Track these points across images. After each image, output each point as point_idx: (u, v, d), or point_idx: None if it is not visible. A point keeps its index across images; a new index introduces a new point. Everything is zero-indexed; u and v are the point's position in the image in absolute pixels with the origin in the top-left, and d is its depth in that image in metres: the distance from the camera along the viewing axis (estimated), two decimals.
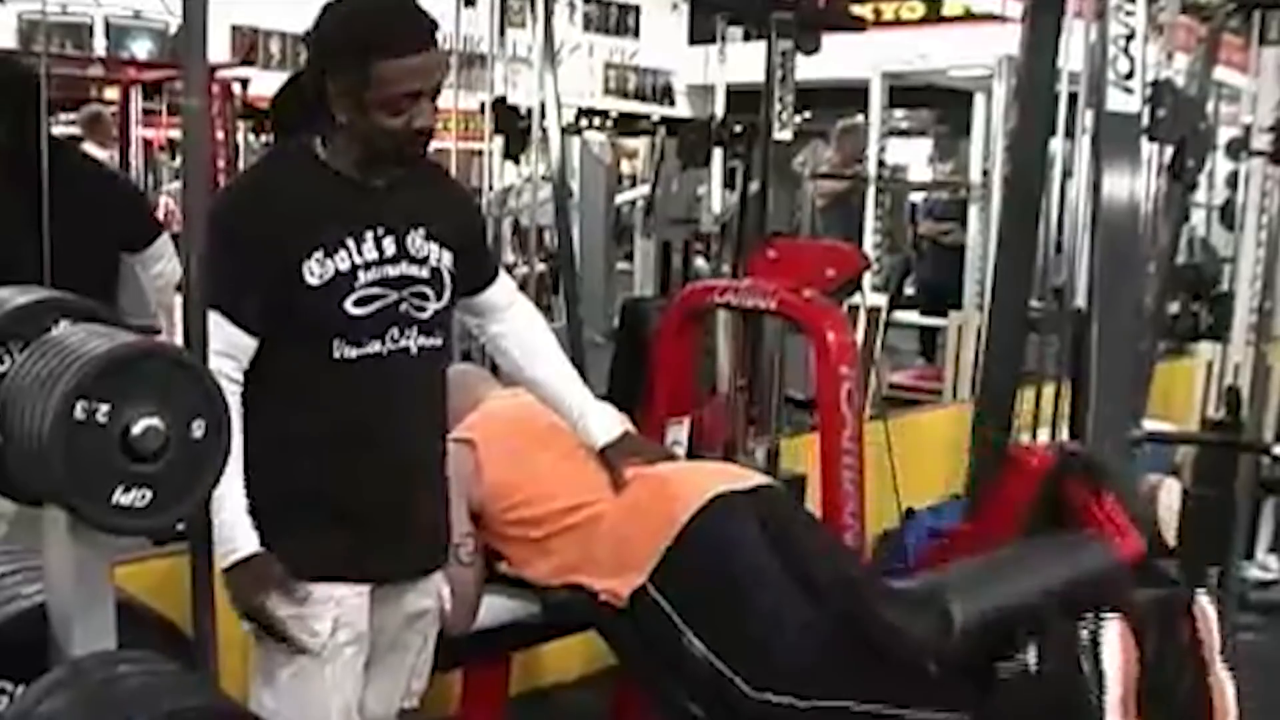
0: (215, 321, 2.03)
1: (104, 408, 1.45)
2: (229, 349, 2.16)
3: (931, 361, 8.53)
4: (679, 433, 3.54)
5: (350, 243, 2.25)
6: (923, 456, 4.90)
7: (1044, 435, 4.44)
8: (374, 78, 2.17)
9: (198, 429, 1.53)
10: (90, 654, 1.60)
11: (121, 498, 1.48)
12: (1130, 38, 3.26)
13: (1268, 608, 5.15)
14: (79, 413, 1.43)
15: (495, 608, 3.01)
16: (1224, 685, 2.49)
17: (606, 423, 2.79)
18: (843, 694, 2.40)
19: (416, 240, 2.34)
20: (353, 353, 2.26)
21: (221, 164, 7.64)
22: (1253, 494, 5.19)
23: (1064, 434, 3.94)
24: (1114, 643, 2.39)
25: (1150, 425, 4.90)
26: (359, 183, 2.30)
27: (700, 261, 8.54)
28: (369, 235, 2.27)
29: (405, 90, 2.20)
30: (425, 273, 2.35)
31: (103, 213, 3.40)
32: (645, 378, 3.75)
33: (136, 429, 1.47)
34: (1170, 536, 5.31)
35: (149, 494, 1.50)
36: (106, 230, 3.44)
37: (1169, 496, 5.31)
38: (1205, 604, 2.60)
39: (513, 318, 2.69)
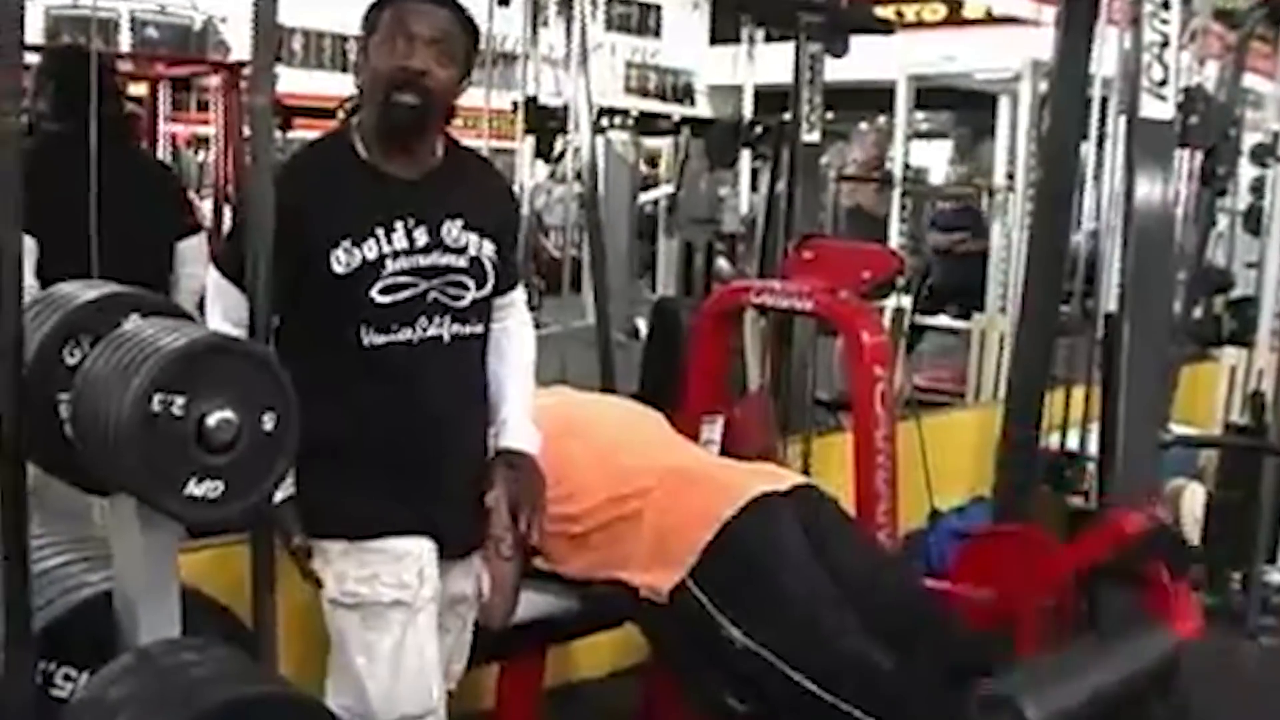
0: (233, 295, 2.17)
1: (180, 400, 1.49)
2: (241, 321, 2.16)
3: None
4: (713, 431, 3.58)
5: (380, 232, 2.29)
6: (947, 458, 4.92)
7: (1072, 438, 4.46)
8: (378, 24, 2.28)
9: (268, 421, 1.57)
10: (157, 641, 1.64)
11: (195, 489, 1.52)
12: (1164, 45, 3.28)
13: None
14: (156, 405, 1.47)
15: (532, 602, 3.04)
16: None
17: (521, 436, 2.59)
18: (852, 699, 2.45)
19: (453, 230, 2.38)
20: (380, 339, 2.30)
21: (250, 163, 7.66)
22: (1276, 498, 5.21)
23: (1093, 437, 3.96)
24: None
25: (1175, 429, 4.92)
26: (390, 174, 2.35)
27: (722, 262, 8.56)
28: (399, 225, 2.31)
29: (400, 27, 2.26)
30: (464, 262, 2.38)
31: (158, 203, 3.46)
32: (677, 376, 3.77)
33: (211, 421, 1.51)
34: (1194, 540, 5.33)
35: (221, 485, 1.54)
36: (160, 220, 3.49)
37: (1192, 500, 5.33)
38: None
39: (507, 325, 2.61)
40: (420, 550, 2.37)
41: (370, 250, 2.29)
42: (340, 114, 2.51)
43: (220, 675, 1.60)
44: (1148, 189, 3.28)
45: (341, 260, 2.27)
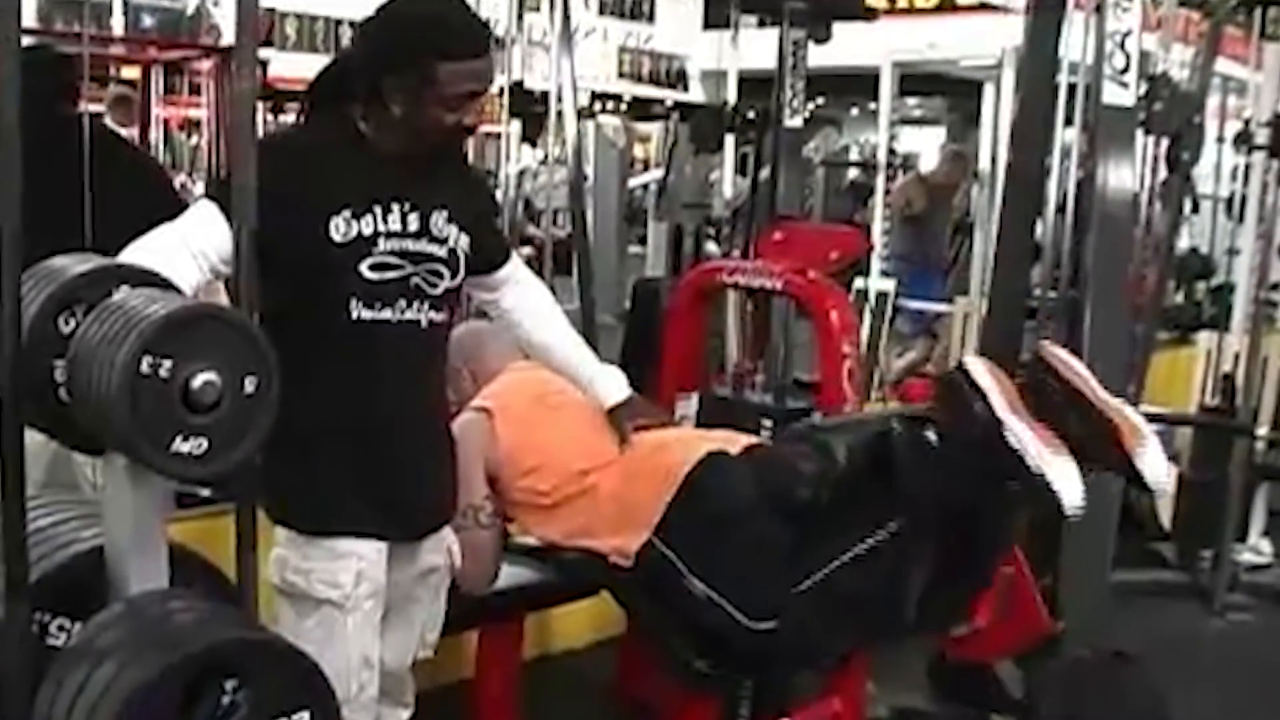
0: (220, 222, 2.19)
1: (167, 363, 1.59)
2: (216, 248, 2.24)
3: None
4: (687, 407, 3.67)
5: (377, 210, 2.38)
6: None
7: None
8: (437, 78, 2.32)
9: (250, 385, 1.67)
10: (145, 592, 1.74)
11: (180, 446, 1.62)
12: (1127, 34, 3.37)
13: (1259, 590, 5.27)
14: (144, 367, 1.57)
15: (510, 571, 3.15)
16: (1121, 409, 2.54)
17: (615, 385, 2.94)
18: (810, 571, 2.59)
19: (439, 221, 2.47)
20: (368, 315, 2.38)
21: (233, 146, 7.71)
22: (1246, 479, 5.32)
23: None
24: (979, 367, 2.47)
25: (1143, 409, 5.02)
26: (395, 161, 2.42)
27: (711, 246, 8.64)
28: (396, 207, 2.40)
29: (465, 90, 2.35)
30: (443, 252, 2.48)
31: (127, 189, 3.52)
32: (655, 355, 3.87)
33: (195, 383, 1.61)
34: (1165, 519, 5.46)
35: (205, 443, 1.64)
36: (130, 206, 3.56)
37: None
38: (1054, 350, 2.65)
39: (522, 292, 2.83)
40: (363, 551, 2.43)
41: (366, 225, 2.37)
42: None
43: (205, 622, 1.70)
44: (1110, 173, 3.38)
45: (340, 229, 2.34)
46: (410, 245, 2.42)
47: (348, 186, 2.37)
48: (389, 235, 2.39)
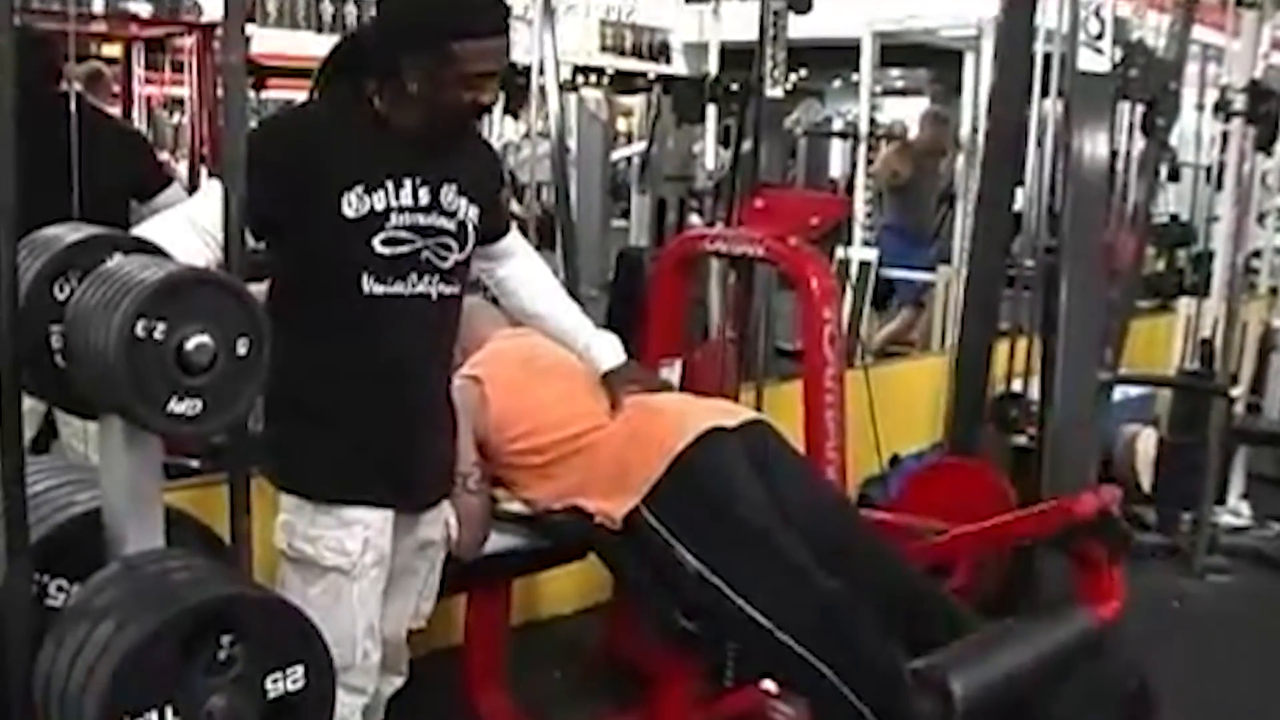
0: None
1: (161, 326, 1.63)
2: (215, 230, 2.09)
3: None
4: (670, 374, 3.71)
5: (390, 185, 2.40)
6: (907, 405, 5.08)
7: (1017, 385, 4.63)
8: (455, 57, 2.33)
9: (242, 346, 1.72)
10: (141, 551, 1.79)
11: (175, 406, 1.67)
12: (1101, 1, 3.41)
13: (1237, 552, 5.34)
14: (140, 330, 1.62)
15: (497, 537, 3.19)
16: None
17: (610, 351, 2.99)
18: (799, 636, 2.59)
19: (449, 194, 2.50)
20: (379, 289, 2.40)
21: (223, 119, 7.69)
22: (1225, 443, 5.39)
23: (1035, 383, 4.11)
24: None
25: (1124, 373, 5.09)
26: (407, 136, 2.44)
27: (694, 218, 8.65)
28: (407, 182, 2.42)
29: (482, 70, 2.36)
30: (453, 225, 2.50)
31: (113, 163, 3.55)
32: (639, 323, 3.91)
33: (190, 345, 1.66)
34: (1146, 483, 5.53)
35: (199, 404, 1.69)
36: (117, 180, 3.59)
37: (1145, 445, 5.52)
38: None
39: (518, 262, 2.88)
40: (370, 520, 2.47)
41: (379, 201, 2.39)
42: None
43: (201, 579, 1.75)
44: (1084, 140, 3.42)
45: (353, 204, 2.36)
46: (421, 219, 2.45)
47: (361, 162, 2.40)
48: (401, 210, 2.42)
